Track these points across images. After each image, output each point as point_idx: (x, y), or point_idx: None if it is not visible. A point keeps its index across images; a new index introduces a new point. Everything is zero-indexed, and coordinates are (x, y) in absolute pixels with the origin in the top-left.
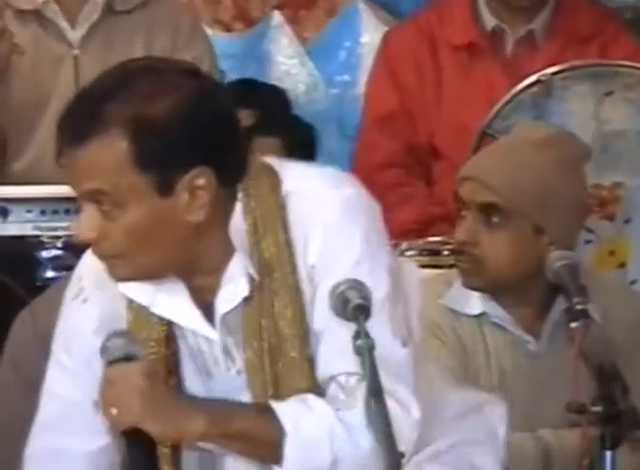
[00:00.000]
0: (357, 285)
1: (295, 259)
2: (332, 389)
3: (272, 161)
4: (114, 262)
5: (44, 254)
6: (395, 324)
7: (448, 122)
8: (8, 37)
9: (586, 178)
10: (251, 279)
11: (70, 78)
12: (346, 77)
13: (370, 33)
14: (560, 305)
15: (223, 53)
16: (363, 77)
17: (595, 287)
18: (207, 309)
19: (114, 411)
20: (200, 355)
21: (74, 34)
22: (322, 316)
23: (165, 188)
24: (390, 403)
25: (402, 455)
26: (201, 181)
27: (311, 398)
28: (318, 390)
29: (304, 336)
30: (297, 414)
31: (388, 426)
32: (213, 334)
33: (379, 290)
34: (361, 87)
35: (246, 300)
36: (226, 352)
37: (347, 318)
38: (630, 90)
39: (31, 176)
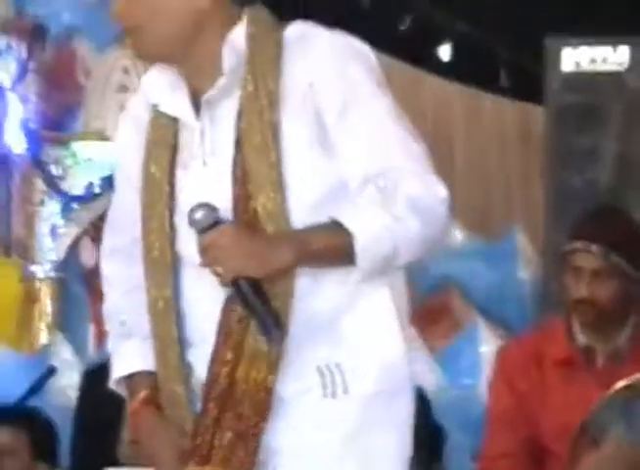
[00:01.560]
0: None
1: (280, 73)
2: (370, 191)
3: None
4: (136, 37)
5: None
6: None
7: (554, 425)
8: None
9: None
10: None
11: None
12: (468, 381)
13: (488, 345)
14: None
15: None
16: (483, 381)
17: None
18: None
19: (220, 270)
20: (186, 147)
21: None
22: (336, 121)
23: None
24: (417, 183)
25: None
26: None
27: (363, 201)
28: (279, 178)
29: (275, 127)
30: (357, 217)
31: None
32: (195, 122)
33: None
34: (481, 389)
35: (231, 94)
36: (203, 139)
37: None
38: None
39: None
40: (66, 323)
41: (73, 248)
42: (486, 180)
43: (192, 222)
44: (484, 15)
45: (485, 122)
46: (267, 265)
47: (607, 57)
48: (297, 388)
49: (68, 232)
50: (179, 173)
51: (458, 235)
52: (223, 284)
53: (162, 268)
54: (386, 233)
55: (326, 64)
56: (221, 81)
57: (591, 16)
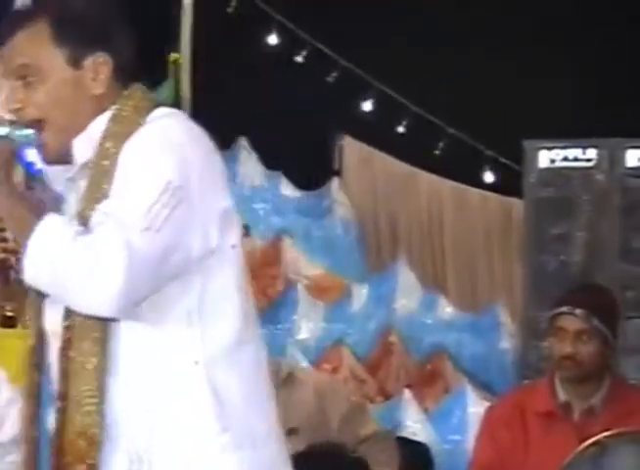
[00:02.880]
0: None
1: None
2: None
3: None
4: (41, 131)
5: None
6: (156, 211)
7: None
8: None
9: None
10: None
11: None
12: (457, 437)
13: (475, 407)
14: None
15: None
16: (470, 437)
17: None
18: None
19: None
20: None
21: None
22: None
23: (75, 61)
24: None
25: None
26: (102, 60)
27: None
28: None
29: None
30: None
31: None
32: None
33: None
34: (468, 444)
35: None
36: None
37: None
38: None
39: None
40: None
41: None
42: (473, 262)
43: None
44: (471, 120)
45: (472, 213)
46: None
47: (577, 156)
48: None
49: None
50: None
51: (448, 310)
52: None
53: None
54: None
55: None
56: (74, 170)
57: (564, 120)
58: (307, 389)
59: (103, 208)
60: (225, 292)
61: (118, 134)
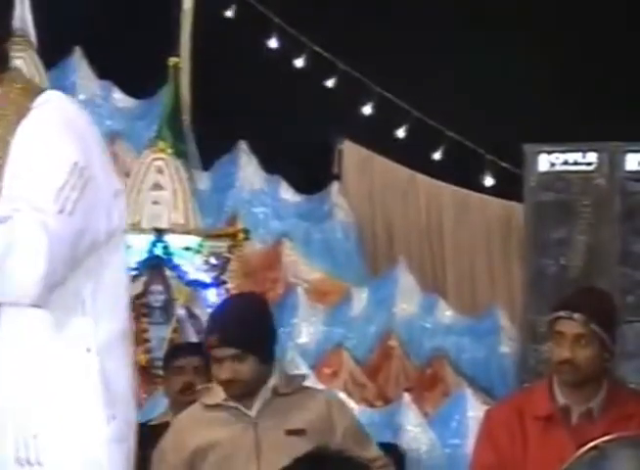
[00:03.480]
0: None
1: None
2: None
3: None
4: None
5: None
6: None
7: None
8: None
9: None
10: None
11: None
12: (457, 441)
13: (475, 411)
14: None
15: None
16: (470, 442)
17: None
18: None
19: None
20: None
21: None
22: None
23: None
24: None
25: None
26: None
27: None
28: None
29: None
30: None
31: None
32: None
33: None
34: (467, 448)
35: None
36: None
37: None
38: None
39: None
40: None
41: None
42: (472, 266)
43: None
44: (472, 124)
45: (472, 217)
46: None
47: (577, 160)
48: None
49: None
50: None
51: (447, 313)
52: None
53: None
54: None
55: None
56: None
57: (564, 124)
58: (320, 397)
59: (12, 192)
60: (119, 280)
61: (8, 117)
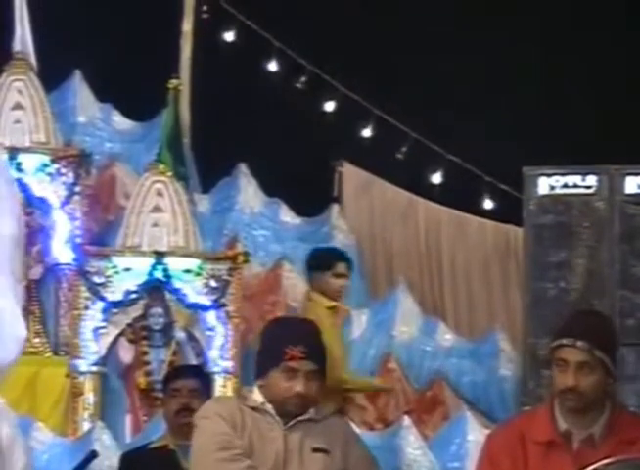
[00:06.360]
0: None
1: None
2: None
3: None
4: None
5: None
6: (14, 263)
7: None
8: None
9: None
10: None
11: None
12: (457, 464)
13: (475, 434)
14: None
15: None
16: (470, 465)
17: None
18: None
19: None
20: None
21: None
22: None
23: None
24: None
25: None
26: None
27: None
28: None
29: None
30: None
31: None
32: None
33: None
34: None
35: None
36: None
37: None
38: None
39: None
40: (106, 412)
41: (113, 346)
42: (472, 289)
43: None
44: (471, 147)
45: (471, 240)
46: None
47: (577, 183)
48: None
49: (109, 332)
50: None
51: (447, 336)
52: None
53: None
54: None
55: None
56: None
57: (564, 147)
58: (342, 425)
59: None
60: None
61: None
